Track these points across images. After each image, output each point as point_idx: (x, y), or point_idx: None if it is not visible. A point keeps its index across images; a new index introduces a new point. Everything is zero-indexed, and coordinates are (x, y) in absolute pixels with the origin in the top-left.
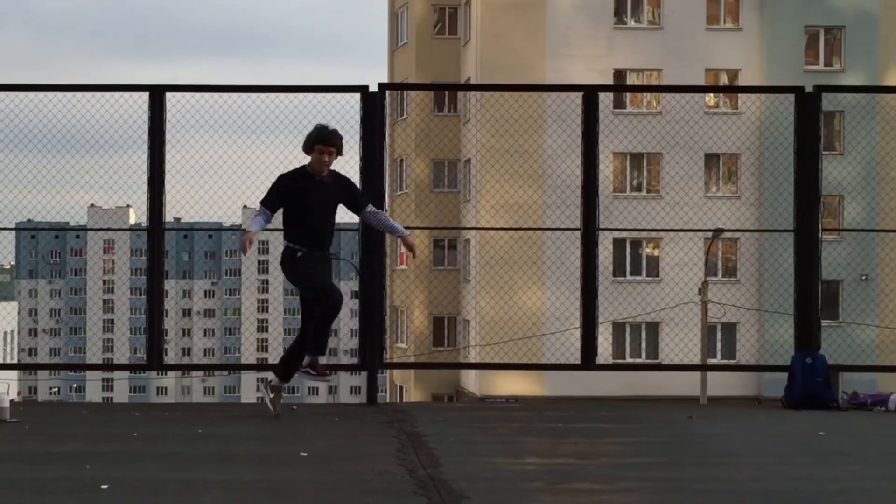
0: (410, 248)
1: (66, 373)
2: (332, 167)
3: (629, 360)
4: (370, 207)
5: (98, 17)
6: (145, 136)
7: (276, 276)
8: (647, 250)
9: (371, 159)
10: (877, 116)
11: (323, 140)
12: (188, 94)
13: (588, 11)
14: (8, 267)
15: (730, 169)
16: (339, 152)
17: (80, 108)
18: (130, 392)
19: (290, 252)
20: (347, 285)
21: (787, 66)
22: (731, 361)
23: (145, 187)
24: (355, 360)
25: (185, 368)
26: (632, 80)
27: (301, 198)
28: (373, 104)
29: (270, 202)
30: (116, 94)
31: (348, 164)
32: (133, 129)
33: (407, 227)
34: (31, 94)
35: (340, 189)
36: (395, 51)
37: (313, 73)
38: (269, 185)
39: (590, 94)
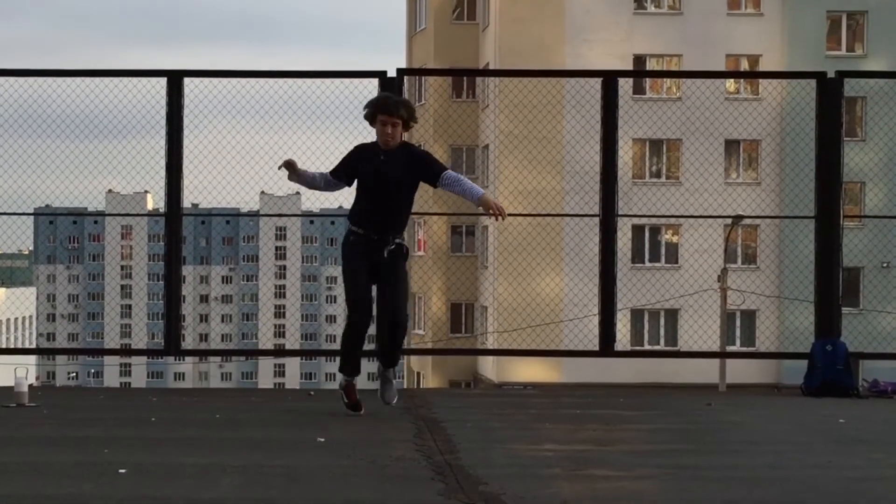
0: (493, 208)
1: (84, 358)
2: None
3: (647, 347)
4: (447, 174)
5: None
6: (163, 122)
7: (294, 262)
8: (666, 237)
9: None
10: None
11: (383, 109)
12: (206, 80)
13: None
14: (26, 252)
15: (750, 155)
16: (407, 123)
17: (99, 94)
18: (148, 378)
19: (346, 235)
20: None
21: (808, 51)
22: (751, 349)
23: (163, 173)
24: (372, 346)
25: (203, 354)
26: (652, 65)
27: (366, 173)
28: (391, 89)
29: (336, 169)
30: (135, 80)
31: None
32: (151, 114)
33: (424, 214)
34: (50, 80)
35: (412, 163)
36: (413, 36)
37: (331, 59)
38: (280, 170)
39: (609, 79)
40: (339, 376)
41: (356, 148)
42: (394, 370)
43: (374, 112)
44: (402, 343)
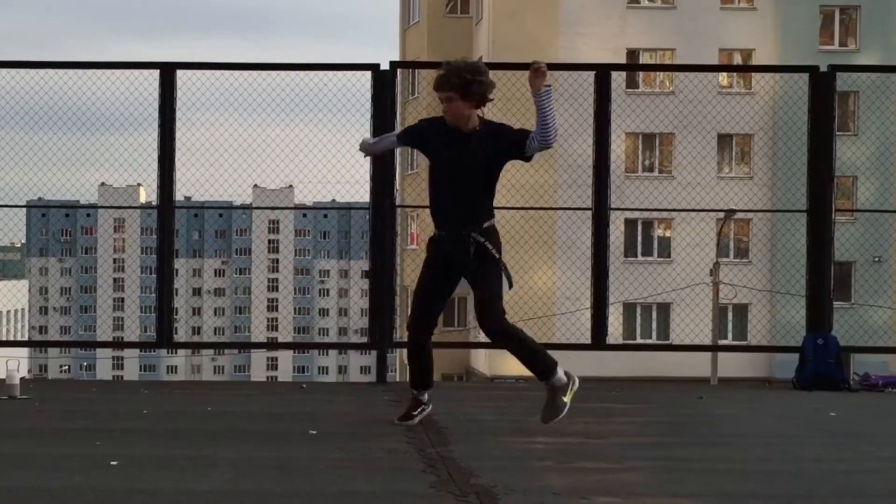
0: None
1: (77, 351)
2: (469, 114)
3: (639, 340)
4: (533, 138)
5: None
6: (156, 115)
7: (286, 256)
8: (659, 231)
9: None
10: (891, 97)
11: (436, 85)
12: (199, 72)
13: None
14: (18, 245)
15: (743, 149)
16: (467, 94)
17: (91, 86)
18: (141, 371)
19: (432, 237)
20: (358, 264)
21: (801, 46)
22: (743, 342)
23: (156, 166)
24: (365, 340)
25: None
26: (645, 59)
27: (432, 156)
28: (384, 83)
29: (403, 133)
30: (127, 72)
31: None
32: (144, 107)
33: (417, 207)
34: (42, 72)
35: (492, 140)
36: (406, 29)
37: (324, 52)
38: (273, 163)
39: (602, 73)
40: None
41: (425, 122)
42: (552, 382)
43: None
44: (528, 351)
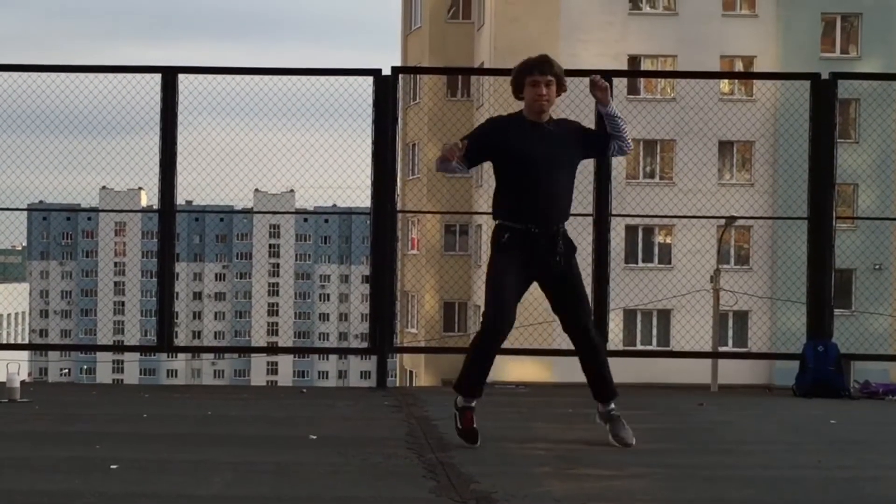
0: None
1: (77, 354)
2: (554, 111)
3: (640, 347)
4: (614, 143)
5: None
6: (157, 119)
7: (287, 260)
8: (660, 237)
9: (383, 143)
10: (893, 105)
11: (534, 68)
12: (200, 76)
13: None
14: (19, 248)
15: (744, 156)
16: (563, 85)
17: (93, 90)
18: (141, 375)
19: (497, 233)
20: (359, 269)
21: (802, 53)
22: (743, 349)
23: (157, 170)
24: (365, 345)
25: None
26: (646, 66)
27: (514, 152)
28: (386, 88)
29: (468, 152)
30: (129, 76)
31: (360, 148)
32: (145, 111)
33: (418, 212)
34: (44, 76)
35: (571, 135)
36: (408, 35)
37: (326, 57)
38: (275, 168)
39: (604, 79)
40: (458, 398)
41: (491, 120)
42: (614, 408)
43: (522, 76)
44: (607, 362)
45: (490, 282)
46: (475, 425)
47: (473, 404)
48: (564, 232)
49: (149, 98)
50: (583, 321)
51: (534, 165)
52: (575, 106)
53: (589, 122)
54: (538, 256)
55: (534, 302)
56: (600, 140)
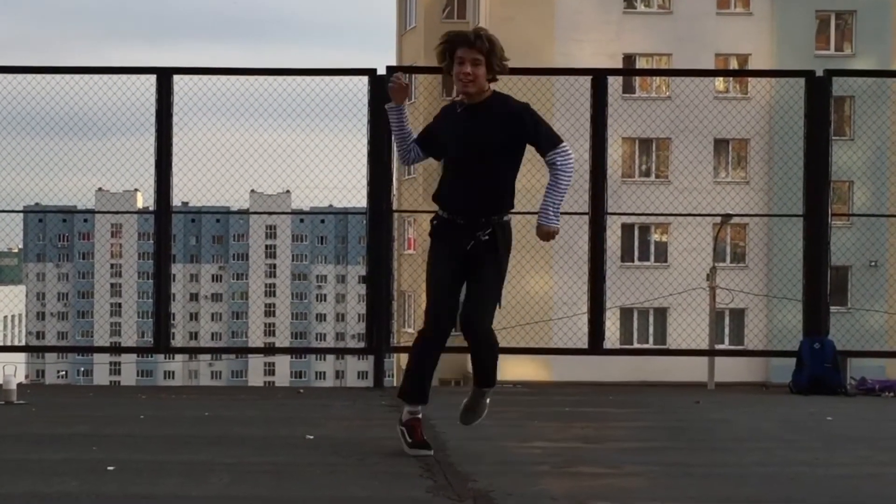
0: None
1: (74, 356)
2: (489, 88)
3: (636, 345)
4: (558, 156)
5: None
6: (153, 120)
7: (284, 261)
8: (656, 236)
9: (379, 143)
10: (888, 102)
11: (458, 41)
12: (195, 77)
13: None
14: (16, 250)
15: (739, 154)
16: (491, 62)
17: (88, 92)
18: (138, 376)
19: (431, 221)
20: (355, 269)
21: (797, 51)
22: (739, 347)
23: (153, 171)
24: (362, 345)
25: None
26: (641, 64)
27: (448, 136)
28: (381, 87)
29: (422, 136)
30: (124, 77)
31: (356, 148)
32: (141, 112)
33: (414, 212)
34: (39, 77)
35: (512, 118)
36: (403, 35)
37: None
38: (270, 169)
39: (599, 77)
40: (403, 409)
41: (441, 109)
42: (485, 392)
43: (448, 49)
44: (493, 361)
45: (427, 276)
46: (425, 437)
47: (419, 414)
48: (501, 224)
49: (144, 99)
50: (469, 327)
51: (463, 151)
52: (570, 104)
53: (585, 120)
54: (462, 245)
55: (531, 301)
56: (539, 143)
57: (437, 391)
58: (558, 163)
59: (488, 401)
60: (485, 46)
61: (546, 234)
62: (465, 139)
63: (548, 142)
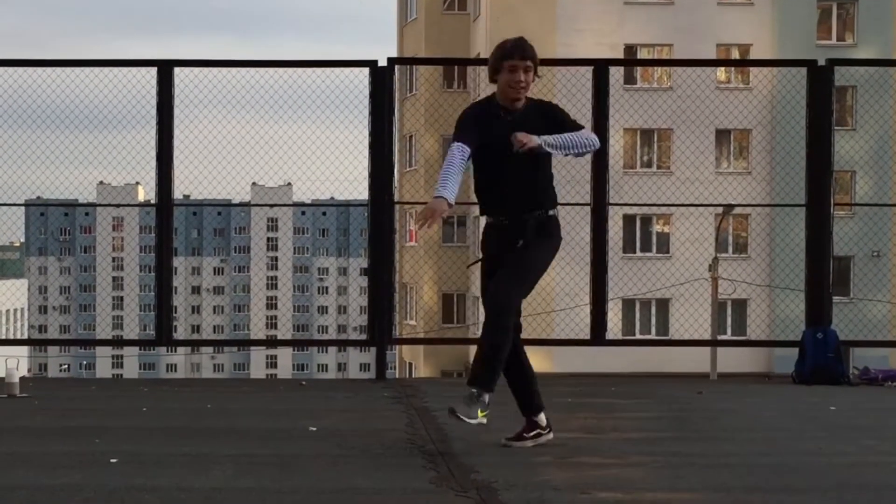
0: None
1: (76, 350)
2: (529, 94)
3: (639, 336)
4: (586, 129)
5: None
6: (154, 113)
7: (285, 253)
8: (658, 226)
9: (380, 135)
10: (889, 91)
11: (513, 52)
12: (196, 70)
13: None
14: (18, 244)
15: (741, 144)
16: (536, 70)
17: (89, 85)
18: (140, 369)
19: (486, 226)
20: (357, 262)
21: (799, 41)
22: (742, 337)
23: (154, 164)
24: (364, 337)
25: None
26: (642, 55)
27: (490, 139)
28: (382, 79)
29: (468, 135)
30: (125, 70)
31: (357, 140)
32: (142, 105)
33: (416, 203)
34: (39, 70)
35: (542, 119)
36: (404, 26)
37: (322, 49)
38: (272, 161)
39: (600, 68)
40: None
41: (472, 108)
42: (472, 393)
43: (499, 60)
44: (485, 340)
45: (482, 277)
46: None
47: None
48: (543, 219)
49: (145, 92)
50: (492, 296)
51: (499, 154)
52: (572, 95)
53: (586, 111)
54: (506, 247)
55: (533, 293)
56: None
57: (438, 383)
58: (584, 129)
59: (482, 416)
60: (534, 55)
61: (522, 140)
62: (509, 143)
63: (574, 126)
